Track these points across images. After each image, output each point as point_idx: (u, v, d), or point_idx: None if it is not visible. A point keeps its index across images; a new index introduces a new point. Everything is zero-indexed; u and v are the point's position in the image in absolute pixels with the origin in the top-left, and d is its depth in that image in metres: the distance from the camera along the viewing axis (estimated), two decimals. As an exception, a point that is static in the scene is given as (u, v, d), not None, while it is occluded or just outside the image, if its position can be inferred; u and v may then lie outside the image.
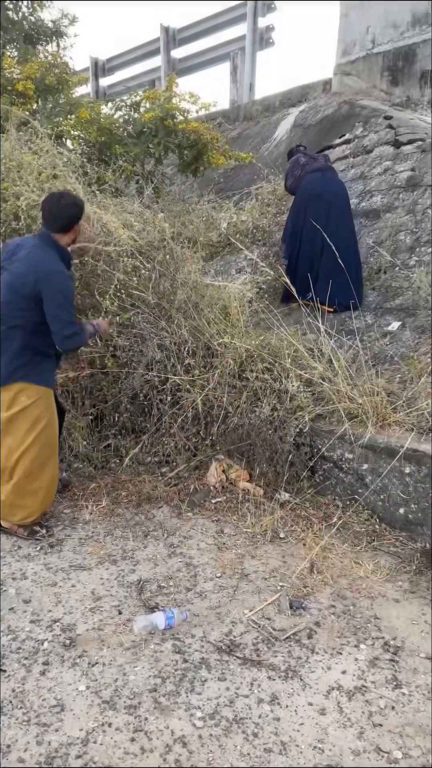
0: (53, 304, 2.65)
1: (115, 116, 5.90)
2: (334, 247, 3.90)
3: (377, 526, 2.99)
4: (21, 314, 2.71)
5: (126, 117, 5.93)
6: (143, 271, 3.67)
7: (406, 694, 1.98)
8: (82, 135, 5.56)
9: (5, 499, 2.83)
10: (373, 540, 2.90)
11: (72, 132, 5.55)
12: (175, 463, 3.46)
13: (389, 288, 4.26)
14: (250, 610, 2.38)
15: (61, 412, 3.13)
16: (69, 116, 5.54)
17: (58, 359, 3.02)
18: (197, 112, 5.82)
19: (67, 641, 2.18)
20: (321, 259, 4.25)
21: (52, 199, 2.78)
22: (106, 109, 6.02)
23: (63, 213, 2.73)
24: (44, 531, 2.90)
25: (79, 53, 22.11)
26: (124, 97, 6.10)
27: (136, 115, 5.89)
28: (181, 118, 5.69)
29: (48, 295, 2.64)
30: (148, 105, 5.90)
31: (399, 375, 3.43)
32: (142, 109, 5.91)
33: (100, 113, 5.75)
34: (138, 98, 5.98)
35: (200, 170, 5.99)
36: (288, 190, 4.73)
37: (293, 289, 3.90)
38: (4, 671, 2.02)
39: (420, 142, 5.10)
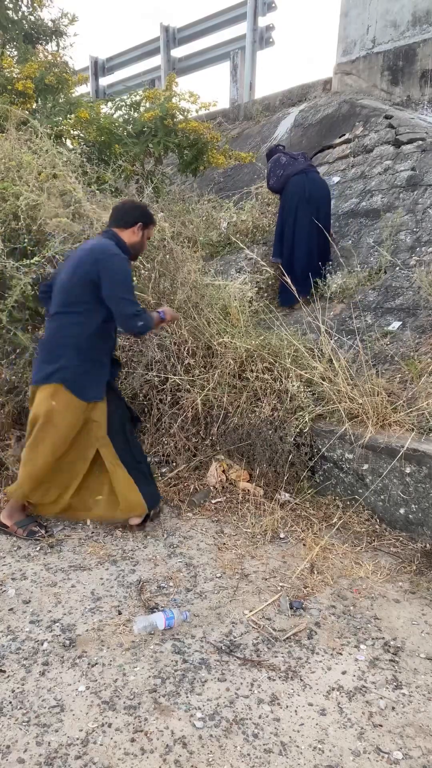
0: (114, 281, 2.60)
1: (115, 116, 5.89)
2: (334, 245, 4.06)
3: (377, 527, 2.99)
4: (78, 301, 2.66)
5: (126, 116, 5.92)
6: (143, 271, 3.67)
7: (406, 695, 1.98)
8: (81, 134, 5.56)
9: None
10: (374, 540, 2.90)
11: (71, 131, 5.55)
12: (175, 463, 3.46)
13: (389, 288, 4.25)
14: (250, 611, 2.37)
15: (134, 419, 3.11)
16: (68, 116, 5.54)
17: (117, 368, 2.98)
18: (197, 111, 5.81)
19: (67, 642, 2.17)
20: (315, 256, 4.54)
21: (119, 203, 3.00)
22: (105, 108, 6.01)
23: (125, 213, 2.84)
24: (43, 531, 2.89)
25: (79, 52, 22.14)
26: (124, 97, 6.09)
27: (135, 115, 5.88)
28: (180, 117, 5.68)
29: (108, 275, 2.60)
30: (147, 104, 5.89)
31: (399, 375, 3.43)
32: (141, 109, 5.90)
33: (100, 113, 5.74)
34: (138, 98, 5.98)
35: (200, 170, 5.99)
36: (270, 188, 4.87)
37: (294, 290, 3.93)
38: (4, 672, 2.02)
39: (420, 142, 5.09)
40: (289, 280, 3.95)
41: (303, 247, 4.50)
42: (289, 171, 4.58)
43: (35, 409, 2.76)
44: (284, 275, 4.16)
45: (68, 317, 2.69)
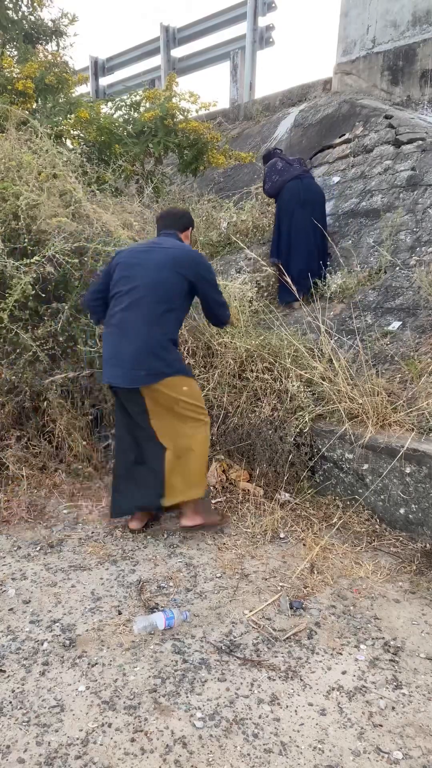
0: (212, 279, 2.95)
1: (115, 116, 5.89)
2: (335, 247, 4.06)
3: (377, 526, 2.99)
4: (174, 300, 2.80)
5: (126, 116, 5.92)
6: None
7: (406, 695, 1.98)
8: (81, 134, 5.56)
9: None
10: (374, 540, 2.90)
11: (71, 131, 5.55)
12: (175, 463, 3.46)
13: (389, 288, 4.25)
14: (250, 611, 2.37)
15: None
16: (68, 116, 5.54)
17: None
18: (197, 111, 5.81)
19: (67, 642, 2.17)
20: (314, 256, 4.59)
21: (169, 209, 3.31)
22: (105, 108, 6.01)
23: (180, 218, 3.14)
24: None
25: (79, 52, 22.15)
26: (124, 97, 6.09)
27: (135, 115, 5.89)
28: (181, 117, 5.68)
29: (206, 275, 2.90)
30: (147, 104, 5.90)
31: (399, 375, 3.43)
32: (141, 109, 5.91)
33: (100, 113, 5.74)
34: (138, 98, 5.98)
35: (200, 170, 5.99)
36: (266, 193, 4.93)
37: (294, 289, 3.94)
38: (4, 672, 2.02)
39: (420, 142, 5.09)
40: (288, 279, 3.96)
41: (301, 248, 4.53)
42: (284, 177, 4.64)
43: (180, 395, 2.79)
44: (283, 274, 4.18)
45: (170, 315, 2.80)
